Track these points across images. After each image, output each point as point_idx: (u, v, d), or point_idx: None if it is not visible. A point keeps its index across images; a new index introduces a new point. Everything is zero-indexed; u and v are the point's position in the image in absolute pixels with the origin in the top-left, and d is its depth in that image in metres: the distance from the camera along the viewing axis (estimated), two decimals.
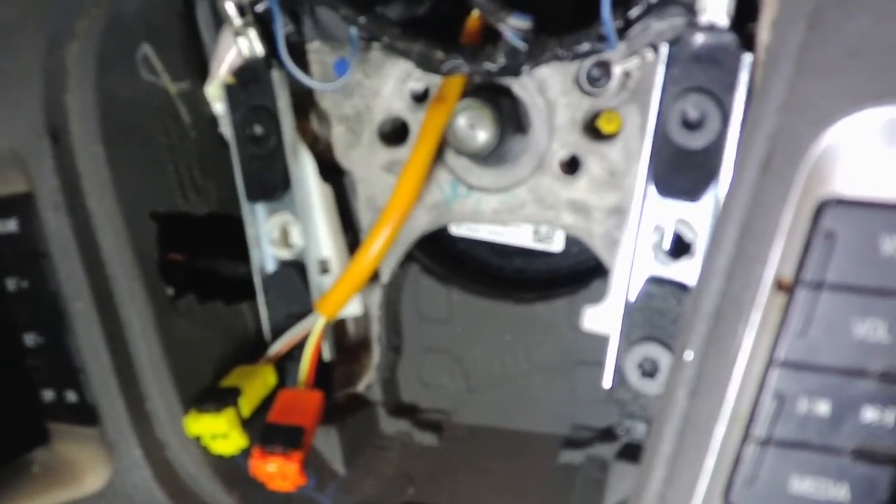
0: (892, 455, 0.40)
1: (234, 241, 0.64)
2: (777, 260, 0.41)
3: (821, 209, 0.41)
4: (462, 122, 0.56)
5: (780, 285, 0.41)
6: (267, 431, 0.56)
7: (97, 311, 0.56)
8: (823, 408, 0.41)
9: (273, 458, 0.55)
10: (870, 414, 0.40)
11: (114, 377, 0.57)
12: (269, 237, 0.63)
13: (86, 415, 0.58)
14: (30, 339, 0.59)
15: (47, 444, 0.61)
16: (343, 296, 0.60)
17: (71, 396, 0.59)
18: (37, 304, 0.58)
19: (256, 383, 0.59)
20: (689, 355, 0.43)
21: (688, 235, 0.53)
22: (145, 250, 0.58)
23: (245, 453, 0.56)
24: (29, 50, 0.59)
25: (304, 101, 0.64)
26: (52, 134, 0.57)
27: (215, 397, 0.57)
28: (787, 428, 0.41)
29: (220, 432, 0.56)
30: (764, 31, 0.46)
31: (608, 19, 0.51)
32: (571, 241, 0.64)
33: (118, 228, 0.57)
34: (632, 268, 0.54)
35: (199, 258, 0.64)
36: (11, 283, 0.59)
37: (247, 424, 0.57)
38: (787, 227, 0.41)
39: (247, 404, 0.57)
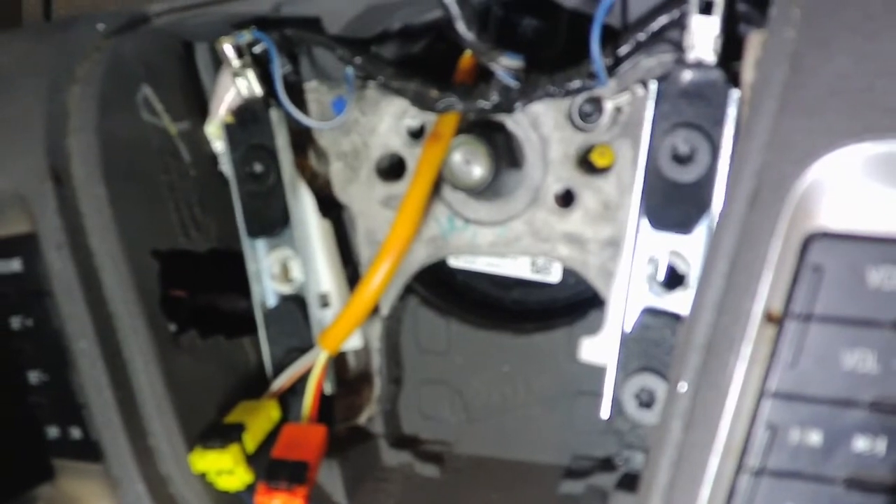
0: (883, 484, 0.40)
1: (235, 276, 0.65)
2: (766, 293, 0.42)
3: (807, 243, 0.42)
4: (458, 157, 0.57)
5: (769, 318, 0.42)
6: (272, 467, 0.57)
7: (100, 348, 0.57)
8: (815, 438, 0.41)
9: (278, 493, 0.55)
10: (861, 443, 0.41)
11: (117, 413, 0.57)
12: (269, 272, 0.64)
13: (90, 451, 0.59)
14: (34, 376, 0.60)
15: (52, 480, 0.61)
16: (345, 330, 0.61)
17: (75, 433, 0.59)
18: (41, 343, 0.59)
19: (260, 418, 0.60)
20: (682, 387, 0.44)
21: (681, 267, 0.54)
22: (147, 287, 0.59)
23: (250, 489, 0.57)
24: (31, 94, 0.60)
25: (302, 139, 0.65)
26: (55, 176, 0.58)
27: (220, 433, 0.57)
28: (780, 458, 0.42)
29: (226, 468, 0.56)
30: (748, 71, 0.47)
31: (598, 57, 0.53)
32: (569, 272, 0.65)
33: (120, 266, 0.58)
34: (627, 299, 0.55)
35: (201, 294, 0.65)
36: (16, 322, 0.60)
37: (252, 459, 0.57)
38: (775, 260, 0.42)
39: (251, 440, 0.58)
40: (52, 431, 0.60)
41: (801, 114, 0.42)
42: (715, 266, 0.44)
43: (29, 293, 0.59)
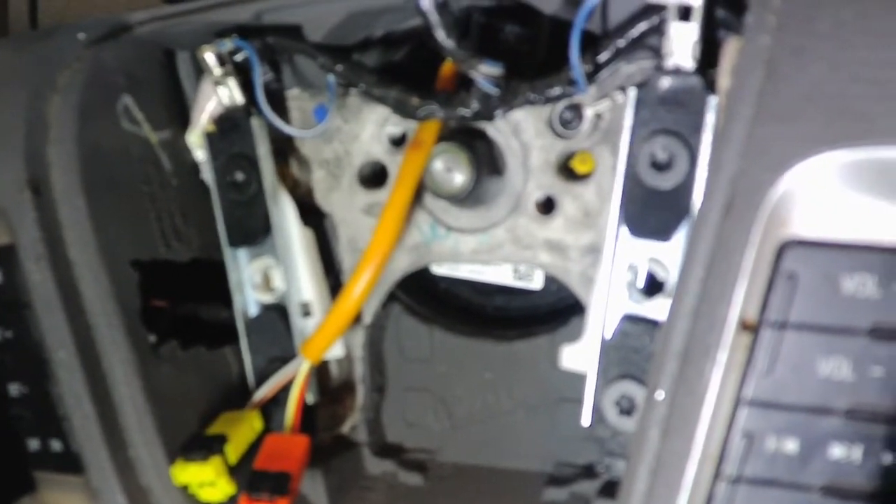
0: (860, 491, 0.40)
1: (217, 286, 0.64)
2: (741, 300, 0.42)
3: (782, 250, 0.42)
4: (439, 165, 0.57)
5: (744, 325, 0.42)
6: (254, 478, 0.56)
7: (80, 359, 0.57)
8: (791, 446, 0.41)
9: None
10: (837, 451, 0.41)
11: (97, 425, 0.57)
12: (251, 281, 0.63)
13: (70, 463, 0.58)
14: (14, 388, 0.60)
15: (33, 492, 0.61)
16: (327, 339, 0.60)
17: (55, 445, 0.59)
18: (20, 355, 0.59)
19: (243, 429, 0.60)
20: (660, 395, 0.44)
21: (660, 274, 0.53)
22: (127, 298, 0.59)
23: (232, 501, 0.57)
24: (10, 103, 0.60)
25: (284, 147, 0.65)
26: (34, 186, 0.57)
27: (202, 445, 0.57)
28: (756, 466, 0.42)
29: (208, 480, 0.56)
30: (724, 77, 0.47)
31: (577, 64, 0.53)
32: (551, 279, 0.65)
33: (100, 277, 0.58)
34: (607, 306, 0.55)
35: (182, 304, 0.64)
36: None
37: (234, 471, 0.57)
38: (749, 268, 0.42)
39: (233, 451, 0.58)
40: (33, 444, 0.60)
41: (776, 121, 0.42)
42: (691, 274, 0.44)
43: (8, 305, 0.59)
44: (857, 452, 0.40)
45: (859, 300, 0.40)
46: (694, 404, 0.43)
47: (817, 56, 0.42)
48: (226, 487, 0.57)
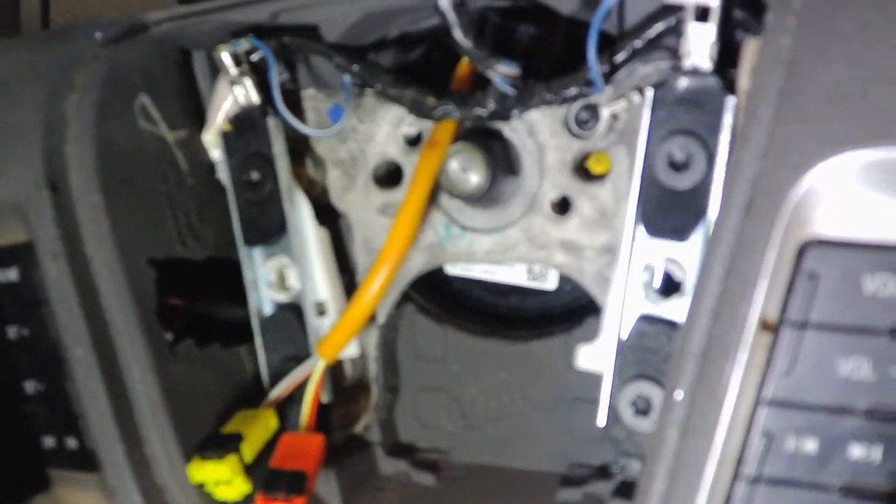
0: (879, 491, 0.40)
1: (232, 285, 0.64)
2: (762, 300, 0.42)
3: (803, 250, 0.42)
4: (454, 165, 0.57)
5: (765, 325, 0.42)
6: (270, 477, 0.56)
7: (96, 357, 0.57)
8: (811, 445, 0.41)
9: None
10: (857, 451, 0.41)
11: (113, 423, 0.57)
12: (266, 280, 0.64)
13: (86, 461, 0.58)
14: (30, 386, 0.60)
15: (48, 490, 0.61)
16: (343, 338, 0.61)
17: (71, 443, 0.59)
18: (37, 352, 0.59)
19: (258, 428, 0.60)
20: (678, 395, 0.44)
21: (677, 274, 0.53)
22: (144, 296, 0.59)
23: (248, 499, 0.57)
24: (29, 102, 0.60)
25: (299, 147, 0.65)
26: (52, 184, 0.58)
27: (217, 444, 0.57)
28: (775, 466, 0.42)
29: (224, 479, 0.56)
30: (744, 78, 0.47)
31: (594, 64, 0.53)
32: (565, 279, 0.65)
33: (117, 275, 0.58)
34: (623, 306, 0.55)
35: (197, 303, 0.64)
36: (12, 332, 0.60)
37: (250, 469, 0.57)
38: (770, 267, 0.42)
39: (249, 450, 0.58)
40: (49, 441, 0.60)
41: (797, 121, 0.42)
42: (711, 273, 0.43)
43: (25, 302, 0.59)
44: (876, 452, 0.40)
45: (881, 300, 0.40)
46: (713, 404, 0.43)
47: (839, 56, 0.42)
48: (242, 486, 0.57)
